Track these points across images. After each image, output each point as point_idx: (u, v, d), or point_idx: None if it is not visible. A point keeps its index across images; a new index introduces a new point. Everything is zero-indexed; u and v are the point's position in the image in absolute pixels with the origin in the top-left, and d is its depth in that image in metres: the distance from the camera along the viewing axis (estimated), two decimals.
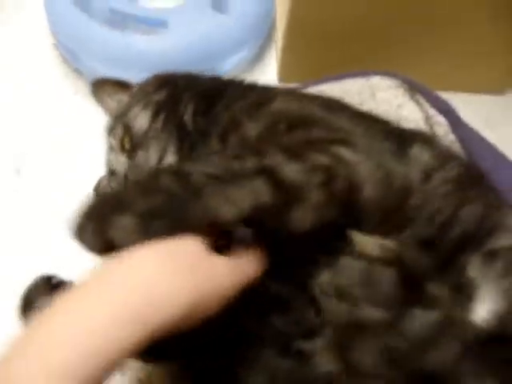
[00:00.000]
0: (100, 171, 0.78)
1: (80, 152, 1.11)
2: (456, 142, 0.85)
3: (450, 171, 0.60)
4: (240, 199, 0.44)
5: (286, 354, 0.54)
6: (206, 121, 0.70)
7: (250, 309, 0.55)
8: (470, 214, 0.57)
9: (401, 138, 0.61)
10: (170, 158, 0.68)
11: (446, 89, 1.17)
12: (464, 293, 0.52)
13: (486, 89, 1.25)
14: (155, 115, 0.71)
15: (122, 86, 0.82)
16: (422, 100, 0.90)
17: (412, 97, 0.91)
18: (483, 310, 0.52)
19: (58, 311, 0.41)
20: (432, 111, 0.89)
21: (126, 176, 0.69)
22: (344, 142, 0.54)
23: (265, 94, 0.72)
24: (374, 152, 0.55)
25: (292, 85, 1.05)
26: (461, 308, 0.52)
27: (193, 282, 0.43)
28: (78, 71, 1.23)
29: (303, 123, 0.58)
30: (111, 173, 0.74)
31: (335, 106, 0.67)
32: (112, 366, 0.40)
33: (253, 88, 0.76)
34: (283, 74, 1.21)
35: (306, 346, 0.53)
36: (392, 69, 0.94)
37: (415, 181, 0.56)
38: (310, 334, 0.54)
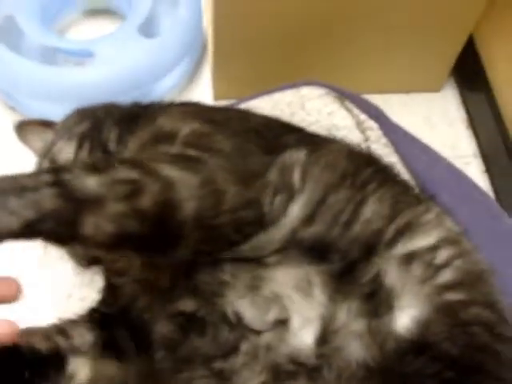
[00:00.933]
0: None
1: None
2: (389, 146, 0.86)
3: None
4: (21, 209, 0.46)
5: (209, 375, 0.54)
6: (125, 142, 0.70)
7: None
8: (374, 211, 0.56)
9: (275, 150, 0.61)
10: None
11: (383, 91, 1.20)
12: (381, 302, 0.52)
13: (424, 88, 1.25)
14: (79, 146, 0.71)
15: (46, 125, 0.81)
16: (351, 106, 0.90)
17: (342, 104, 0.91)
18: (406, 318, 0.51)
19: None
20: (363, 116, 0.89)
21: None
22: (185, 159, 0.55)
23: (161, 109, 0.73)
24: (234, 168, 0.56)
25: (225, 102, 1.04)
26: (379, 318, 0.51)
27: None
28: (14, 109, 1.21)
29: (165, 138, 0.60)
30: None
31: (222, 121, 0.67)
32: None
33: (163, 106, 0.76)
34: (218, 91, 1.20)
35: (226, 365, 0.54)
36: (324, 76, 0.94)
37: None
38: (229, 351, 0.54)
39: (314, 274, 0.54)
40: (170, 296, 0.58)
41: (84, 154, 0.70)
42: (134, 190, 0.50)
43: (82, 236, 0.48)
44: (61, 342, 0.64)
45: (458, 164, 0.85)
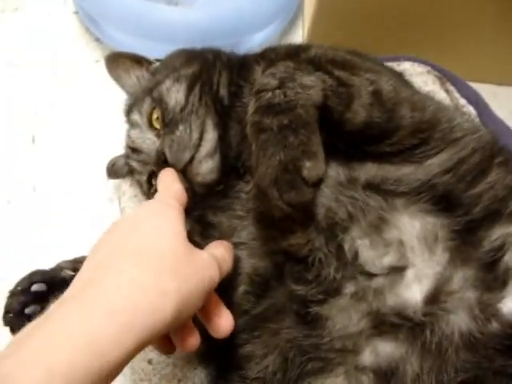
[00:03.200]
0: (116, 142, 0.78)
1: (99, 122, 1.09)
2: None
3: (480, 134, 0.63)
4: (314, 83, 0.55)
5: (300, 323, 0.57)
6: (238, 92, 0.70)
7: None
8: (498, 177, 0.58)
9: None
10: (211, 134, 0.66)
11: (473, 79, 1.17)
12: (497, 276, 0.53)
13: None
14: (190, 89, 0.68)
15: (138, 61, 0.79)
16: (451, 89, 0.89)
17: (442, 85, 0.89)
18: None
19: (58, 316, 0.42)
20: (462, 101, 0.88)
21: (161, 153, 0.65)
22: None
23: (298, 45, 0.75)
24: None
25: None
26: (492, 293, 0.53)
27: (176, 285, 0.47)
28: (99, 40, 1.21)
29: (341, 63, 0.63)
30: (133, 150, 0.71)
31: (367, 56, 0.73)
32: (114, 370, 0.41)
33: (277, 48, 0.76)
34: None
35: (323, 310, 0.56)
36: (422, 56, 0.92)
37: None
38: (330, 294, 0.56)
39: (439, 227, 0.55)
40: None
41: (195, 99, 0.68)
42: (377, 87, 0.58)
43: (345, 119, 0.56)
44: None
45: None
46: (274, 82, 0.56)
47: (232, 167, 0.66)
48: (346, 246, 0.56)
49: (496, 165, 0.59)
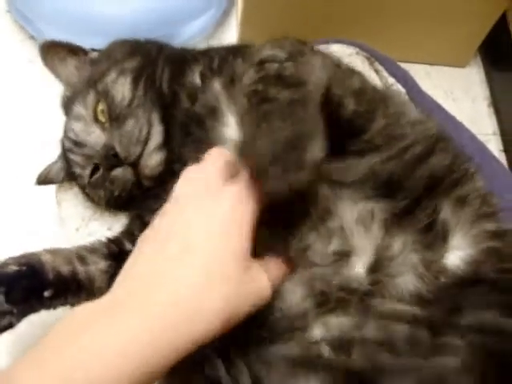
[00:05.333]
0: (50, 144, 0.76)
1: (34, 124, 1.08)
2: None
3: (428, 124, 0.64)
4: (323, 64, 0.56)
5: None
6: (178, 85, 0.69)
7: None
8: (438, 161, 0.59)
9: None
10: (158, 127, 0.67)
11: (409, 60, 1.19)
12: (436, 234, 0.54)
13: (449, 62, 1.25)
14: (135, 83, 0.68)
15: (75, 50, 0.78)
16: (380, 68, 0.89)
17: (371, 65, 0.90)
18: (457, 256, 0.54)
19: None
20: (391, 80, 0.89)
21: (110, 147, 0.65)
22: None
23: (241, 44, 0.77)
24: None
25: None
26: (433, 251, 0.54)
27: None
28: (33, 38, 1.19)
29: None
30: (75, 144, 0.70)
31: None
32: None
33: (218, 47, 0.76)
34: (244, 40, 1.19)
35: None
36: (354, 37, 0.93)
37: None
38: None
39: (378, 210, 0.55)
40: None
41: (140, 92, 0.68)
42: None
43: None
44: (78, 267, 0.66)
45: None
46: (282, 54, 0.55)
47: (170, 171, 0.65)
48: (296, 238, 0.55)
49: (437, 150, 0.60)
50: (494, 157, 0.83)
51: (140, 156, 0.65)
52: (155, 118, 0.67)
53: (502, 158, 1.09)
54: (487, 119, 1.15)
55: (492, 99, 1.18)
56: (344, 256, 0.54)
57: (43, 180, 0.83)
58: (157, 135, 0.66)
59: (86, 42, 0.92)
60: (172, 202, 0.52)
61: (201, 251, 0.47)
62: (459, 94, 1.20)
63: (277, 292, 0.54)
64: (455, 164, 0.60)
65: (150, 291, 0.45)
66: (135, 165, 0.65)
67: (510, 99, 1.12)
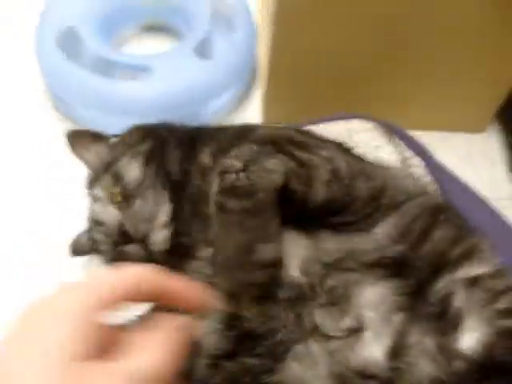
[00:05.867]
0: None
1: (67, 194, 1.11)
2: (433, 183, 0.88)
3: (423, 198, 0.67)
4: (276, 167, 0.59)
5: None
6: (187, 169, 0.73)
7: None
8: (442, 234, 0.62)
9: None
10: (166, 206, 0.71)
11: (426, 128, 1.21)
12: (449, 319, 0.56)
13: (467, 128, 1.27)
14: (146, 165, 0.73)
15: (97, 137, 0.83)
16: (398, 142, 0.92)
17: (389, 139, 0.93)
18: (471, 340, 0.55)
19: None
20: (409, 153, 0.91)
21: (122, 225, 0.70)
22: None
23: (246, 126, 0.79)
24: None
25: None
26: (447, 335, 0.56)
27: None
28: (68, 117, 1.25)
29: (299, 143, 0.67)
30: (96, 223, 0.75)
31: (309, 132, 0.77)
32: None
33: (226, 128, 0.80)
34: (267, 118, 1.23)
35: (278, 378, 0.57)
36: (372, 110, 0.97)
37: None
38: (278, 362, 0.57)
39: (392, 292, 0.58)
40: None
41: (151, 173, 0.73)
42: (333, 164, 0.63)
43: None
44: None
45: (496, 206, 0.86)
46: (238, 165, 0.60)
47: (180, 245, 0.70)
48: (305, 316, 0.58)
49: (440, 222, 0.63)
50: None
51: (147, 233, 0.69)
52: (163, 198, 0.71)
53: None
54: (507, 184, 1.17)
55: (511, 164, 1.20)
56: (359, 332, 0.56)
57: (75, 251, 0.87)
58: (163, 213, 0.70)
59: (114, 121, 0.99)
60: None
61: None
62: (478, 158, 1.22)
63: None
64: (460, 235, 0.63)
65: None
66: (144, 241, 0.69)
67: None
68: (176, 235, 0.70)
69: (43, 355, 0.37)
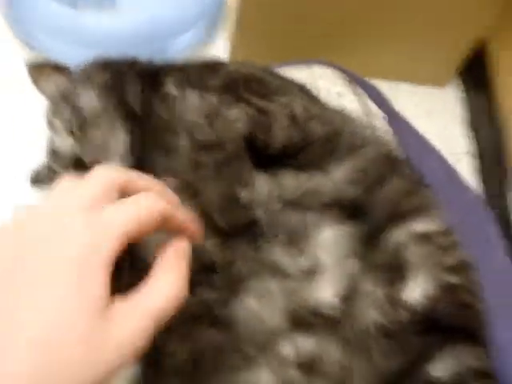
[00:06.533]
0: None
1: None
2: (391, 134, 0.90)
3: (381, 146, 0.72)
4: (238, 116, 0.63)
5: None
6: (149, 99, 0.75)
7: None
8: (396, 184, 0.66)
9: None
10: (121, 137, 0.73)
11: (391, 78, 1.24)
12: (398, 270, 0.60)
13: (429, 82, 1.29)
14: (103, 96, 0.75)
15: (57, 68, 0.83)
16: (360, 91, 0.93)
17: (351, 87, 0.94)
18: (417, 292, 0.59)
19: None
20: (370, 103, 0.93)
21: (76, 157, 0.73)
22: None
23: (214, 61, 0.81)
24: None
25: None
26: (395, 286, 0.59)
27: None
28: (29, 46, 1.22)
29: (257, 89, 0.70)
30: (53, 153, 0.77)
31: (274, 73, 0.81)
32: None
33: (193, 61, 0.82)
34: (233, 56, 1.22)
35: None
36: (339, 56, 0.98)
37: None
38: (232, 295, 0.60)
39: (348, 236, 0.61)
40: None
41: (107, 104, 0.74)
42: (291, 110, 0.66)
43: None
44: None
45: (450, 159, 0.89)
46: (202, 121, 0.65)
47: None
48: (265, 252, 0.61)
49: (394, 172, 0.67)
50: (461, 181, 0.87)
51: (101, 163, 0.71)
52: (118, 129, 0.73)
53: (472, 178, 1.14)
54: (461, 139, 1.20)
55: (468, 121, 1.23)
56: (314, 274, 0.59)
57: (34, 182, 0.87)
58: (119, 144, 0.72)
59: (78, 53, 0.97)
60: (30, 212, 0.42)
61: (38, 306, 0.36)
62: (437, 112, 1.25)
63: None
64: (413, 189, 0.66)
65: None
66: None
67: (484, 120, 1.17)
68: (137, 164, 0.72)
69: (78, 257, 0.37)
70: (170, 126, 0.71)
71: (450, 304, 0.59)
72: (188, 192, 0.62)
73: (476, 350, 0.59)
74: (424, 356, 0.57)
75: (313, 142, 0.66)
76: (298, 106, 0.68)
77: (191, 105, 0.70)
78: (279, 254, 0.60)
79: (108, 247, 0.38)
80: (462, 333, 0.59)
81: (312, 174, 0.65)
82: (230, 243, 0.62)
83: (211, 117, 0.64)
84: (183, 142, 0.68)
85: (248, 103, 0.66)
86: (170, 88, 0.74)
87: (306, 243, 0.61)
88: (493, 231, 0.81)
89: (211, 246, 0.61)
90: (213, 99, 0.67)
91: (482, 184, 1.13)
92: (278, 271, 0.60)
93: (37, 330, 0.35)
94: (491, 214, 0.83)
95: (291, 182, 0.64)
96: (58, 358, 0.34)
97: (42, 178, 0.85)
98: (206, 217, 0.59)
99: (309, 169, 0.65)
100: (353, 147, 0.67)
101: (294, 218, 0.62)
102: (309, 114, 0.68)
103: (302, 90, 0.78)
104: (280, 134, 0.64)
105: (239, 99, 0.67)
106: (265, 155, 0.64)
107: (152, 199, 0.42)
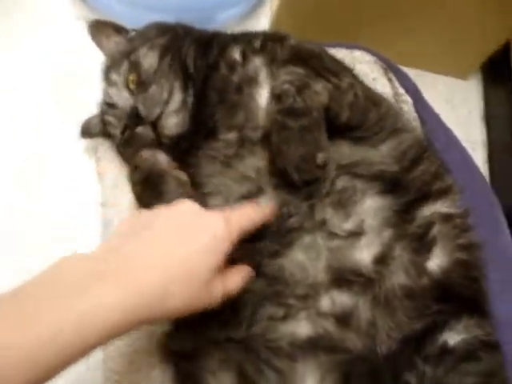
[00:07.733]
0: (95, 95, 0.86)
1: (79, 76, 1.18)
2: (416, 121, 0.98)
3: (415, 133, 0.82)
4: (322, 89, 0.71)
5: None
6: (204, 63, 0.82)
7: None
8: (426, 167, 0.74)
9: None
10: (177, 95, 0.79)
11: (419, 67, 1.31)
12: (425, 243, 0.69)
13: (454, 74, 1.38)
14: (162, 57, 0.81)
15: (118, 29, 0.90)
16: (393, 78, 1.01)
17: (385, 74, 1.02)
18: (436, 264, 0.68)
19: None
20: (401, 89, 1.00)
21: (135, 108, 0.78)
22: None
23: (276, 33, 0.88)
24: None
25: None
26: (420, 256, 0.68)
27: None
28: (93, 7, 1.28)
29: (332, 70, 0.78)
30: (109, 106, 0.83)
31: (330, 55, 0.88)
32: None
33: (253, 32, 0.89)
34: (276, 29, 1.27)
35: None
36: (375, 44, 1.05)
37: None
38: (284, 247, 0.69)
39: (387, 207, 0.70)
40: None
41: (165, 65, 0.80)
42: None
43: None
44: None
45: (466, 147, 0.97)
46: (292, 89, 0.71)
47: (202, 128, 0.79)
48: (317, 210, 0.69)
49: (425, 157, 0.76)
50: (476, 169, 0.95)
51: (159, 117, 0.77)
52: (176, 87, 0.79)
53: (485, 167, 1.24)
54: (478, 130, 1.29)
55: (485, 114, 1.32)
56: (357, 236, 0.68)
57: (84, 132, 0.94)
58: (176, 101, 0.79)
59: (136, 15, 1.04)
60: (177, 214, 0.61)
61: (179, 253, 0.56)
62: (458, 102, 1.33)
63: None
64: (439, 173, 0.75)
65: (130, 269, 0.52)
66: (155, 124, 0.78)
67: (501, 114, 1.26)
68: (197, 119, 0.79)
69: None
70: (232, 85, 0.78)
71: (461, 276, 0.68)
72: (267, 150, 0.72)
73: (482, 322, 0.68)
74: (440, 324, 0.66)
75: (368, 119, 0.74)
76: (359, 88, 0.76)
77: (263, 71, 0.77)
78: (329, 214, 0.69)
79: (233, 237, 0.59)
80: (470, 306, 0.68)
81: (364, 147, 0.73)
82: (289, 198, 0.70)
83: (299, 87, 0.71)
84: (258, 103, 0.76)
85: (327, 80, 0.74)
86: (235, 54, 0.81)
87: (353, 207, 0.69)
88: (500, 215, 0.90)
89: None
90: (300, 71, 0.74)
91: (494, 173, 1.23)
92: (326, 229, 0.68)
93: (184, 255, 0.55)
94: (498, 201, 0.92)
95: (347, 150, 0.73)
96: (190, 272, 0.55)
97: (93, 130, 0.93)
98: (281, 172, 0.69)
99: (361, 142, 0.73)
100: (395, 129, 0.76)
101: (346, 182, 0.70)
102: (366, 95, 0.77)
103: (353, 74, 0.86)
104: (347, 109, 0.72)
105: (319, 75, 0.74)
106: (332, 126, 0.72)
107: (256, 211, 0.65)
